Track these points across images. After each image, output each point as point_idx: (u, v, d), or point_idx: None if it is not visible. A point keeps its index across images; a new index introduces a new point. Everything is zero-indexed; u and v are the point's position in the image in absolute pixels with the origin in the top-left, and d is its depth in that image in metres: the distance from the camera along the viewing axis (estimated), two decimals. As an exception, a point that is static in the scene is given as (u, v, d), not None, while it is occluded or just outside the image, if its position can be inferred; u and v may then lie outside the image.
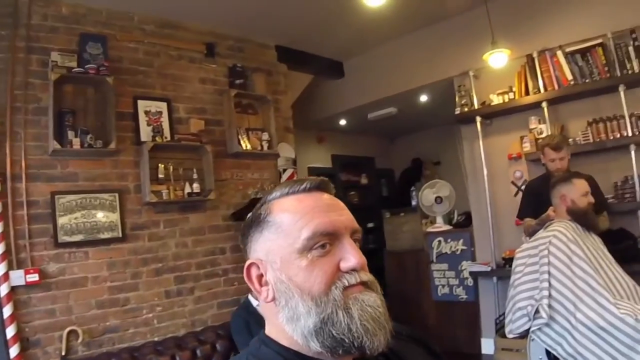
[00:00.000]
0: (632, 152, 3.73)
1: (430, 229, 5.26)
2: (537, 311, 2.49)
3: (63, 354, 2.95)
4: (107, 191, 3.43)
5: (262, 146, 4.47)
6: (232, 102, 4.26)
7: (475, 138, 4.69)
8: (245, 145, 4.30)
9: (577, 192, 2.82)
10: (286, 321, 0.77)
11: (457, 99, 4.77)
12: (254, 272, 0.82)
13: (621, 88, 3.78)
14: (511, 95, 4.39)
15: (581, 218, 2.76)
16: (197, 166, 3.93)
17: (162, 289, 3.59)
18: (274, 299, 0.79)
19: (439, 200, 5.29)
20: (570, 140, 3.97)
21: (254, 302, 3.56)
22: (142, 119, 3.72)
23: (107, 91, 3.41)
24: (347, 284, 0.75)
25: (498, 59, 4.09)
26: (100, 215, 3.36)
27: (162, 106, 3.86)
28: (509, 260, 4.23)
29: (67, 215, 3.19)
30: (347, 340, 0.73)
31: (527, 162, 4.36)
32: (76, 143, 3.19)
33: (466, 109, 4.69)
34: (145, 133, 3.70)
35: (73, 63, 3.26)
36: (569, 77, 4.03)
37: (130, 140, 3.63)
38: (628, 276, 2.60)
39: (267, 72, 4.71)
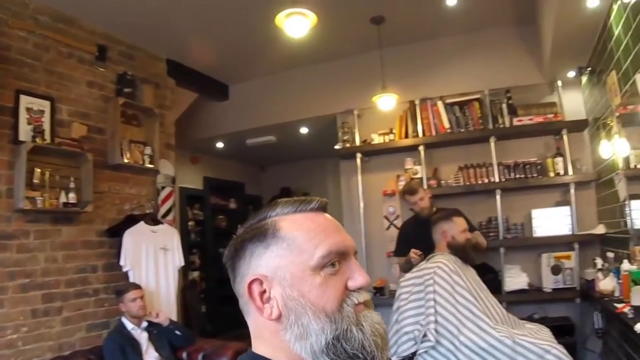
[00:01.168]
0: (498, 196, 4.35)
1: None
2: (424, 335, 2.70)
3: None
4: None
5: (143, 160, 4.27)
6: (118, 110, 4.04)
7: (353, 173, 4.99)
8: (127, 158, 4.08)
9: (457, 229, 3.14)
10: (295, 339, 0.76)
11: (339, 134, 5.04)
12: (256, 288, 0.79)
13: (492, 139, 4.36)
14: (391, 136, 4.79)
15: (460, 252, 3.08)
16: (75, 175, 3.63)
17: (28, 308, 3.21)
18: (279, 317, 0.77)
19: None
20: (442, 182, 4.45)
21: (129, 325, 3.36)
22: (23, 116, 3.35)
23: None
24: (356, 301, 0.78)
25: (386, 102, 4.43)
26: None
27: (46, 105, 3.52)
28: (379, 290, 4.52)
29: None
30: (360, 356, 0.75)
31: (401, 199, 4.74)
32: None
33: (348, 145, 4.98)
34: (25, 132, 3.33)
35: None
36: (446, 125, 4.53)
37: (6, 137, 3.25)
38: (500, 304, 2.97)
39: (156, 84, 4.55)
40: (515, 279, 4.41)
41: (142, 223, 3.98)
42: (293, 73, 5.39)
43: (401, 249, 3.95)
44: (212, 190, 7.24)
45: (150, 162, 4.32)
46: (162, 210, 4.51)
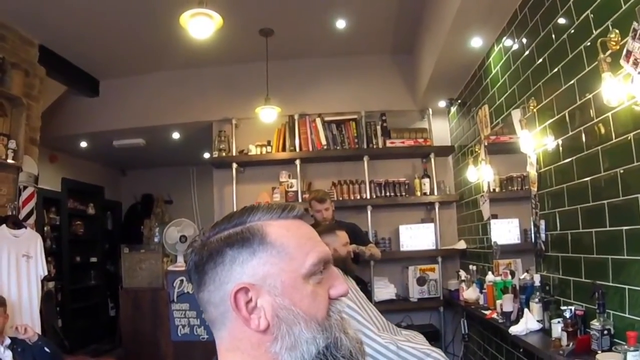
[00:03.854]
0: (369, 211, 4.70)
1: (171, 267, 5.16)
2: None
3: None
4: None
5: (6, 155, 3.82)
6: (-18, 97, 3.58)
7: (228, 183, 4.98)
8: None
9: (339, 242, 3.30)
10: (285, 350, 0.73)
11: (215, 143, 4.99)
12: (242, 297, 0.74)
13: (365, 158, 4.70)
14: (269, 148, 4.88)
15: (341, 264, 3.23)
16: None
17: None
18: (267, 328, 0.74)
19: (183, 239, 5.27)
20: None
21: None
22: None
23: None
24: (340, 309, 0.80)
25: (268, 114, 4.50)
26: None
27: None
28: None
29: None
30: None
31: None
32: None
33: (223, 154, 4.95)
34: None
35: None
36: (323, 142, 4.76)
37: None
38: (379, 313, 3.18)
39: (26, 71, 4.09)
40: (383, 289, 4.75)
41: (3, 226, 3.56)
42: (171, 75, 5.23)
43: None
44: (70, 193, 6.61)
45: (14, 158, 3.87)
46: (24, 212, 4.06)
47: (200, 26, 3.29)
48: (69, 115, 5.40)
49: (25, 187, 4.13)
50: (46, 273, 3.86)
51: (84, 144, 5.98)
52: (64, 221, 6.33)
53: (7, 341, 3.07)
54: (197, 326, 4.83)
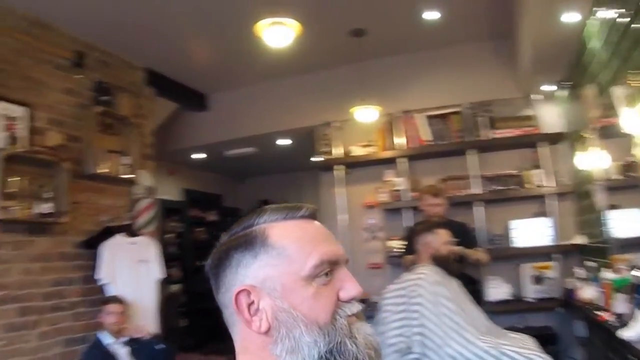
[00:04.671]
0: (480, 208, 4.41)
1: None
2: (408, 347, 2.67)
3: None
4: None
5: (120, 171, 4.18)
6: (94, 119, 3.96)
7: (333, 185, 4.96)
8: (103, 167, 3.99)
9: (439, 240, 3.12)
10: (286, 353, 0.72)
11: (319, 146, 5.02)
12: (244, 299, 0.75)
13: (472, 152, 4.38)
14: (372, 148, 4.78)
15: (443, 264, 3.06)
16: (50, 184, 3.52)
17: (3, 321, 3.08)
18: (268, 330, 0.74)
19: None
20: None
21: (106, 340, 3.26)
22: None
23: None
24: (349, 313, 0.75)
25: (366, 114, 4.42)
26: None
27: (21, 112, 3.41)
28: (361, 302, 4.47)
29: None
30: None
31: (383, 211, 4.72)
32: None
33: (327, 157, 4.95)
34: (1, 139, 3.23)
35: None
36: (426, 137, 4.53)
37: (-19, 144, 3.13)
38: (485, 314, 2.95)
39: (133, 93, 4.47)
40: (497, 289, 4.41)
41: (119, 235, 3.88)
42: (272, 84, 5.36)
43: (408, 250, 3.93)
44: (190, 202, 7.15)
45: (128, 173, 4.22)
46: (140, 221, 4.39)
47: (278, 35, 3.29)
48: (182, 130, 5.81)
49: (141, 199, 4.48)
50: (163, 276, 4.10)
51: (198, 156, 6.40)
52: (185, 228, 6.84)
53: (125, 339, 3.34)
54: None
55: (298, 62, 4.85)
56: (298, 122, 5.28)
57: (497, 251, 4.33)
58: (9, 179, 3.22)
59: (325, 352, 0.71)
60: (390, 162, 4.71)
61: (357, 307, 0.76)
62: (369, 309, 4.23)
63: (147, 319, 3.82)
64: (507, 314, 4.19)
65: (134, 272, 3.87)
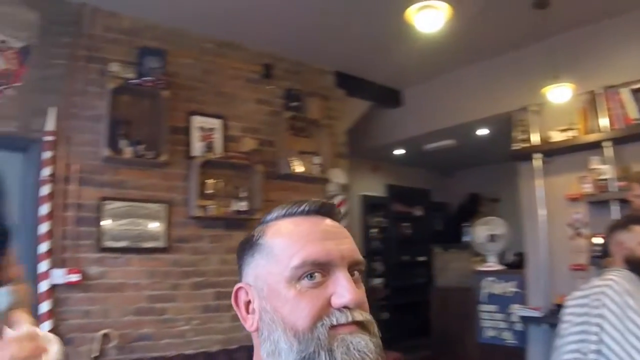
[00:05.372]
0: None
1: (481, 268, 5.04)
2: (583, 365, 2.29)
3: (95, 355, 3.01)
4: (155, 201, 3.51)
5: (312, 170, 4.46)
6: (285, 124, 4.30)
7: (532, 176, 4.49)
8: (296, 168, 4.31)
9: (635, 239, 2.61)
10: (267, 355, 0.71)
11: (515, 134, 4.60)
12: (242, 297, 0.76)
13: None
14: (572, 133, 4.18)
15: (638, 268, 2.56)
16: (246, 185, 3.96)
17: (200, 303, 3.60)
18: (257, 329, 0.73)
19: (492, 238, 5.08)
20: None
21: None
22: (195, 134, 3.80)
23: (162, 104, 3.53)
24: (335, 322, 0.68)
25: (560, 93, 3.89)
26: (146, 225, 3.44)
27: (216, 123, 3.94)
28: (560, 307, 3.98)
29: (114, 221, 3.29)
30: None
31: (588, 205, 4.11)
32: (128, 152, 3.31)
33: (524, 145, 4.51)
34: (197, 148, 3.78)
35: (131, 75, 3.39)
36: (635, 116, 3.80)
37: (181, 153, 3.71)
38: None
39: (323, 96, 4.72)
40: None
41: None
42: (462, 72, 5.09)
43: (604, 250, 3.43)
44: (394, 197, 7.24)
45: (320, 172, 4.49)
46: (334, 217, 4.62)
47: (428, 19, 3.13)
48: (379, 127, 5.93)
49: (334, 196, 4.73)
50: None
51: (398, 152, 6.45)
52: (390, 223, 6.97)
53: None
54: (503, 330, 4.61)
55: (484, 45, 4.53)
56: (494, 109, 4.90)
57: None
58: (206, 182, 3.75)
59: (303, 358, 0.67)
60: (593, 147, 4.04)
61: (351, 317, 0.68)
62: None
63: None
64: None
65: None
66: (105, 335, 3.08)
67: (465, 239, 5.86)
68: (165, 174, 3.60)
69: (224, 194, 3.84)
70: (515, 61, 4.68)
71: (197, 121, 3.83)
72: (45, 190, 3.02)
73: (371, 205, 6.80)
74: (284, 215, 0.77)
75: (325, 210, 0.78)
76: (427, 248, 6.52)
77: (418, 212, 7.55)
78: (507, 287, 4.66)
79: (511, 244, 5.18)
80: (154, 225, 3.48)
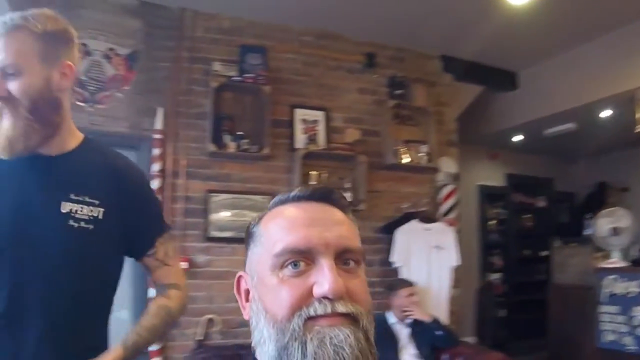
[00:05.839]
0: None
1: (603, 264, 4.58)
2: None
3: (200, 338, 3.22)
4: (259, 193, 3.64)
5: (420, 159, 4.33)
6: (390, 113, 4.22)
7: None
8: (402, 157, 4.22)
9: None
10: (256, 345, 0.70)
11: (637, 115, 4.11)
12: (242, 285, 0.77)
13: None
14: None
15: None
16: (350, 176, 3.95)
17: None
18: (250, 318, 0.73)
19: (615, 231, 4.58)
20: None
21: (390, 320, 3.46)
22: (298, 126, 3.87)
23: (264, 99, 3.64)
24: (312, 313, 0.65)
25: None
26: (250, 216, 3.57)
27: (319, 115, 3.97)
28: None
29: (219, 212, 3.46)
30: None
31: None
32: (231, 146, 3.47)
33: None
34: (300, 140, 3.84)
35: (233, 72, 3.56)
36: None
37: (284, 146, 3.80)
38: None
39: (430, 83, 4.56)
40: None
41: (414, 221, 4.03)
42: (581, 49, 4.61)
43: None
44: (515, 187, 6.78)
45: (428, 161, 4.35)
46: (444, 208, 4.48)
47: None
48: (493, 112, 5.60)
49: (444, 185, 4.57)
50: (459, 263, 4.09)
51: (517, 138, 6.04)
52: (510, 215, 6.56)
53: (408, 321, 3.48)
54: (624, 334, 4.16)
55: (603, 19, 4.09)
56: (617, 87, 4.42)
57: None
58: (309, 173, 3.80)
59: (276, 350, 0.66)
60: None
61: (329, 308, 0.65)
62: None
63: (437, 305, 3.89)
64: None
65: (427, 257, 3.98)
66: (210, 320, 3.28)
67: (586, 232, 5.37)
68: (268, 167, 3.71)
69: (328, 185, 3.86)
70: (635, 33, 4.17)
71: (300, 114, 3.90)
72: (155, 184, 3.25)
73: (489, 196, 6.44)
74: (278, 203, 0.76)
75: (319, 196, 0.75)
76: (548, 242, 6.07)
77: (541, 202, 7.01)
78: (631, 287, 4.18)
79: (637, 238, 4.65)
80: (259, 218, 3.60)
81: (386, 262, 3.99)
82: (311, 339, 0.63)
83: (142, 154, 3.35)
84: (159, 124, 3.36)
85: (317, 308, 0.65)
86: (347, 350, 0.63)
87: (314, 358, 0.62)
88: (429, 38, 4.40)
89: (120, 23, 3.32)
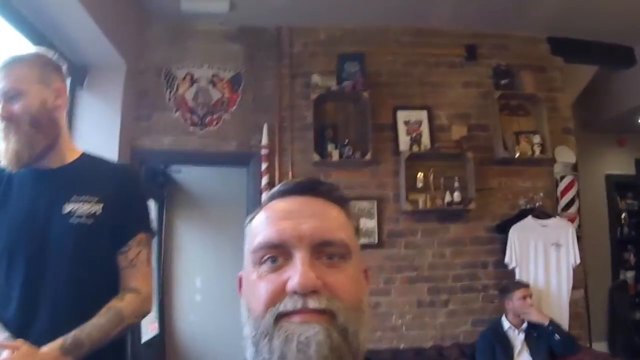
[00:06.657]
0: None
1: None
2: None
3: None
4: (365, 199, 3.64)
5: (533, 151, 4.07)
6: (496, 104, 4.01)
7: None
8: (514, 150, 3.99)
9: None
10: (245, 340, 0.69)
11: None
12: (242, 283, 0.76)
13: None
14: None
15: None
16: (458, 174, 3.81)
17: (414, 298, 3.62)
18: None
19: None
20: None
21: (505, 325, 3.27)
22: (402, 129, 3.82)
23: (364, 105, 3.65)
24: (282, 309, 0.63)
25: None
26: (358, 221, 3.57)
27: (422, 115, 3.89)
28: None
29: (328, 219, 3.48)
30: None
31: None
32: (335, 155, 3.52)
33: None
34: (404, 143, 3.78)
35: (332, 82, 3.63)
36: None
37: (389, 150, 3.77)
38: None
39: (538, 68, 4.26)
40: None
41: (529, 217, 3.81)
42: None
43: None
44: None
45: (542, 152, 4.07)
46: (563, 202, 4.18)
47: None
48: (614, 94, 5.11)
49: (562, 177, 4.26)
50: (578, 261, 3.81)
51: (644, 119, 5.48)
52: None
53: (524, 325, 3.27)
54: None
55: None
56: None
57: None
58: (417, 174, 3.72)
59: (253, 346, 0.66)
60: None
61: (298, 303, 0.62)
62: None
63: (557, 307, 3.63)
64: None
65: (545, 256, 3.74)
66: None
67: None
68: (373, 172, 3.70)
69: (436, 186, 3.76)
70: None
71: (402, 116, 3.84)
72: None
73: (619, 186, 5.86)
74: (267, 200, 0.76)
75: (302, 188, 0.72)
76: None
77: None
78: None
79: None
80: (366, 222, 3.60)
81: (500, 264, 3.78)
82: (278, 335, 0.62)
83: (252, 169, 3.53)
84: (265, 139, 3.51)
85: (287, 303, 0.63)
86: (313, 347, 0.59)
87: (280, 355, 0.61)
88: (534, 20, 4.11)
89: (222, 49, 3.55)
